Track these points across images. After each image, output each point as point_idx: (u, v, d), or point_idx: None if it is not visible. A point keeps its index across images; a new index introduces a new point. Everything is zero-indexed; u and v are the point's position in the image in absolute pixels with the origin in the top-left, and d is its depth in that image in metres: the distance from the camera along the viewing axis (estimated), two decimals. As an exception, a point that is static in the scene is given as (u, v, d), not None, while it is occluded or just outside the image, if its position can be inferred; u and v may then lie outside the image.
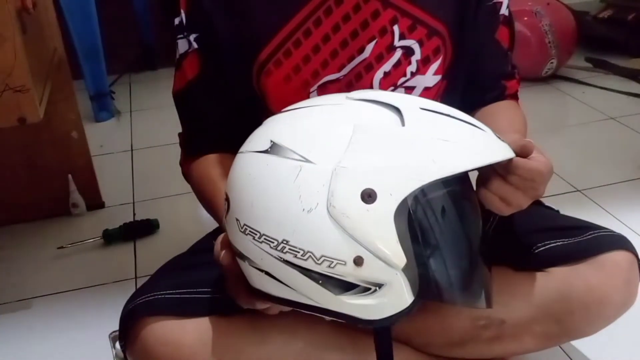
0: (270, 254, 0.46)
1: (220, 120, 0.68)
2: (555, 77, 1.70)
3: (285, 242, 0.45)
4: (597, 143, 1.39)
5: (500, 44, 0.70)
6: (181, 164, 0.73)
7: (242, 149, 0.51)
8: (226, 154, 0.67)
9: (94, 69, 1.55)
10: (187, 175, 0.72)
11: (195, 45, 0.65)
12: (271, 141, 0.48)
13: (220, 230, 0.72)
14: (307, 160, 0.45)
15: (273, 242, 0.46)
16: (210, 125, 0.68)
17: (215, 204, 0.62)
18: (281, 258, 0.46)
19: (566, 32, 1.64)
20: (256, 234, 0.47)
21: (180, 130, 0.72)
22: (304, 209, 0.44)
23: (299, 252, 0.45)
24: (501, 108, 0.71)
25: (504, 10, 0.68)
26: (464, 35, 0.66)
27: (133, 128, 1.58)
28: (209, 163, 0.67)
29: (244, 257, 0.49)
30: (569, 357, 0.79)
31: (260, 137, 0.50)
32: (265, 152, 0.47)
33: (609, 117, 1.49)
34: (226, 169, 0.65)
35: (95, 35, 1.51)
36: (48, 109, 0.91)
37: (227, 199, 0.50)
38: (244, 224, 0.48)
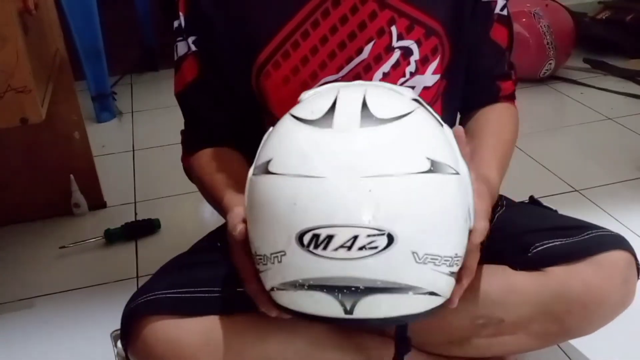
0: (444, 273, 0.46)
1: (220, 120, 0.69)
2: (553, 78, 1.70)
3: (456, 255, 0.47)
4: (595, 143, 1.39)
5: (497, 44, 0.70)
6: (182, 160, 0.73)
7: (387, 170, 0.44)
8: (226, 147, 0.67)
9: (95, 70, 1.55)
10: (188, 169, 0.72)
11: (193, 47, 0.66)
12: (429, 159, 0.45)
13: (222, 230, 0.73)
14: (457, 172, 0.47)
15: (449, 260, 0.46)
16: (209, 125, 0.69)
17: (215, 192, 0.62)
18: (451, 272, 0.47)
19: (564, 33, 1.64)
20: (437, 259, 0.45)
21: (182, 128, 0.73)
22: (465, 220, 0.48)
23: (459, 260, 0.48)
24: (491, 118, 0.70)
25: (499, 10, 0.68)
26: (461, 33, 0.66)
27: (135, 128, 1.58)
28: (209, 154, 0.68)
29: (407, 289, 0.44)
30: (567, 356, 0.79)
31: (406, 156, 0.45)
32: (429, 172, 0.45)
33: (607, 117, 1.49)
34: (226, 158, 0.66)
35: (97, 36, 1.51)
36: (50, 109, 0.91)
37: (389, 235, 0.43)
38: (425, 254, 0.44)
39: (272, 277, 0.47)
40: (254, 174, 0.49)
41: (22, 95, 0.82)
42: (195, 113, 0.70)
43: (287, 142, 0.47)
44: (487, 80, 0.71)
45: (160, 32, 1.87)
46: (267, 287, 0.48)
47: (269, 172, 0.46)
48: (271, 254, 0.46)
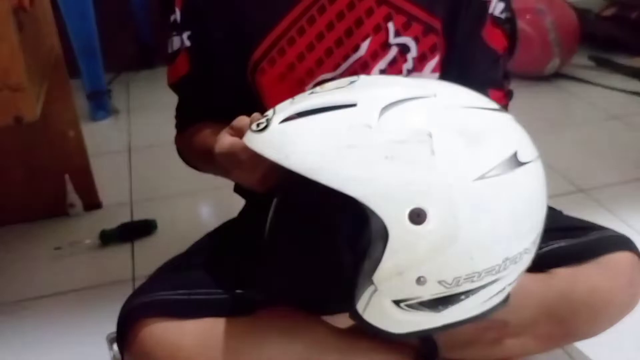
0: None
1: (212, 111, 0.68)
2: (558, 75, 1.69)
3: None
4: (600, 142, 1.38)
5: (490, 47, 0.67)
6: (175, 141, 0.74)
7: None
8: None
9: (91, 68, 1.55)
10: (180, 149, 0.72)
11: (187, 43, 0.66)
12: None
13: (219, 231, 0.72)
14: None
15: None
16: (201, 112, 0.69)
17: (205, 147, 0.62)
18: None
19: (569, 30, 1.63)
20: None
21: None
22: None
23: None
24: None
25: (498, 12, 0.66)
26: (455, 32, 0.65)
27: (131, 127, 1.57)
28: (200, 126, 0.68)
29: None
30: (571, 358, 0.78)
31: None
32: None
33: (612, 116, 1.48)
34: (218, 126, 0.64)
35: (93, 33, 1.50)
36: (45, 108, 0.90)
37: None
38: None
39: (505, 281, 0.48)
40: (498, 174, 0.46)
41: (16, 94, 0.81)
42: (188, 102, 0.71)
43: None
44: (476, 86, 0.68)
45: (157, 29, 1.86)
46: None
47: (521, 164, 0.47)
48: (520, 250, 0.47)
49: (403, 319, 0.46)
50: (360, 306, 0.46)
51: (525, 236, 0.48)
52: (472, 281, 0.45)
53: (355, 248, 0.45)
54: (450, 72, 0.67)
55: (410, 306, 0.46)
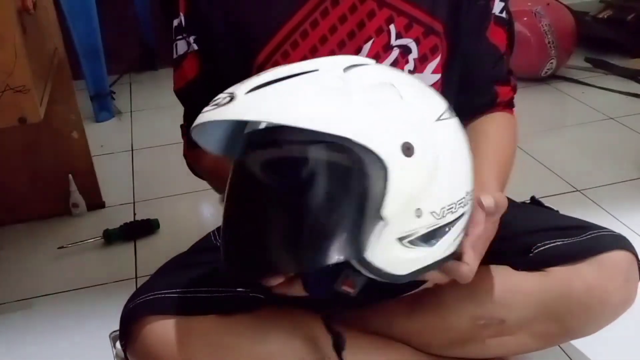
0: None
1: None
2: (554, 77, 1.70)
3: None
4: (596, 143, 1.39)
5: (494, 46, 0.69)
6: (185, 154, 0.73)
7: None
8: None
9: (94, 69, 1.55)
10: (195, 162, 0.72)
11: (195, 46, 0.66)
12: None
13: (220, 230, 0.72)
14: None
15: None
16: None
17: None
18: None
19: (566, 32, 1.64)
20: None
21: (181, 123, 0.72)
22: None
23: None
24: (490, 128, 0.69)
25: (498, 12, 0.68)
26: (458, 33, 0.66)
27: (133, 128, 1.58)
28: None
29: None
30: (569, 357, 0.79)
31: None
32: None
33: (609, 117, 1.49)
34: None
35: (96, 35, 1.51)
36: (48, 109, 0.91)
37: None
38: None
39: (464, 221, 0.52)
40: (448, 118, 0.51)
41: (20, 95, 0.82)
42: (199, 108, 0.70)
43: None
44: (484, 83, 0.70)
45: (160, 30, 1.87)
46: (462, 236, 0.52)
47: (455, 114, 0.53)
48: (469, 190, 0.51)
49: (405, 256, 0.47)
50: (369, 250, 0.45)
51: (470, 176, 0.52)
52: (452, 212, 0.49)
53: (349, 197, 0.45)
54: (454, 71, 0.67)
55: (411, 242, 0.47)
